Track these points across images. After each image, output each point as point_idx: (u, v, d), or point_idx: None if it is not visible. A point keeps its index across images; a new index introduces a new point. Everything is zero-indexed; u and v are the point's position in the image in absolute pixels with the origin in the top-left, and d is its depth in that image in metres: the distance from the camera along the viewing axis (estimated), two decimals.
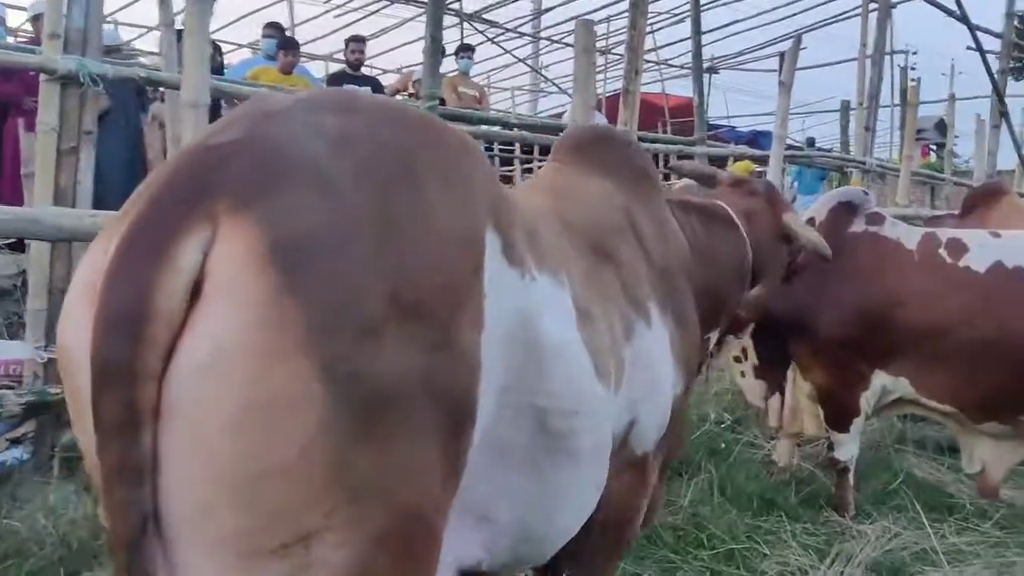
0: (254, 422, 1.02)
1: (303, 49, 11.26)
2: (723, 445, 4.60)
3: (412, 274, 1.14)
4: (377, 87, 7.63)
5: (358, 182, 1.14)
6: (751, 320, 3.18)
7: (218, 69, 6.55)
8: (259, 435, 1.03)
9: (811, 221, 4.02)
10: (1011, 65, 10.94)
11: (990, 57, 9.14)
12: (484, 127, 6.68)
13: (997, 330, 3.54)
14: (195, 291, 1.03)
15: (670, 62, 14.96)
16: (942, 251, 3.75)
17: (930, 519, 3.80)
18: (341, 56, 10.24)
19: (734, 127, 15.84)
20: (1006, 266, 3.63)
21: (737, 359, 4.30)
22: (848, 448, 3.99)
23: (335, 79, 7.49)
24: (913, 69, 11.67)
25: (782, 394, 4.23)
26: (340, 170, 1.14)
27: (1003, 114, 9.31)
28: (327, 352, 1.03)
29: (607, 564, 2.23)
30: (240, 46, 13.32)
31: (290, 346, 1.02)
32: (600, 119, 8.62)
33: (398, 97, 8.03)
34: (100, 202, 3.98)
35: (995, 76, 9.10)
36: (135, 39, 11.99)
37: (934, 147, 17.28)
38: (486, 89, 11.57)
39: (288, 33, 8.60)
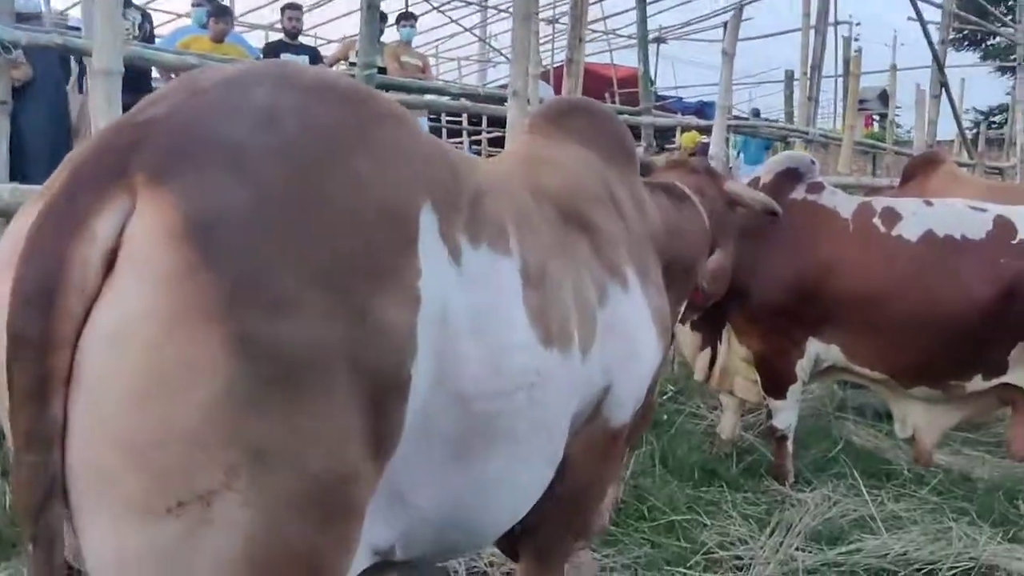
0: (155, 388, 1.05)
1: (244, 19, 10.94)
2: (665, 416, 4.61)
3: (326, 251, 1.15)
4: (316, 57, 7.44)
5: (277, 159, 1.16)
6: (718, 292, 3.22)
7: (148, 38, 6.32)
8: (159, 401, 1.06)
9: (755, 181, 4.03)
10: (951, 36, 11.08)
11: (931, 28, 9.22)
12: (426, 96, 6.56)
13: (926, 298, 3.57)
14: (110, 263, 1.06)
15: (618, 32, 14.87)
16: (876, 220, 3.76)
17: (869, 486, 3.84)
18: None
19: (681, 98, 15.81)
20: (937, 235, 3.65)
21: None
22: (786, 416, 4.01)
23: (272, 49, 7.30)
24: (856, 40, 11.74)
25: (714, 351, 4.24)
26: (260, 147, 1.16)
27: (943, 84, 9.42)
28: (232, 324, 1.06)
29: (569, 541, 2.21)
30: (179, 15, 12.91)
31: (195, 316, 1.05)
32: (546, 89, 8.54)
33: (339, 67, 7.84)
34: (25, 174, 3.82)
35: (935, 47, 9.18)
36: (70, 8, 11.54)
37: (877, 117, 17.48)
38: (432, 59, 11.42)
39: (225, 1, 8.32)
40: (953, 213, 3.73)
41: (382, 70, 7.46)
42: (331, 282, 1.15)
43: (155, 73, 5.88)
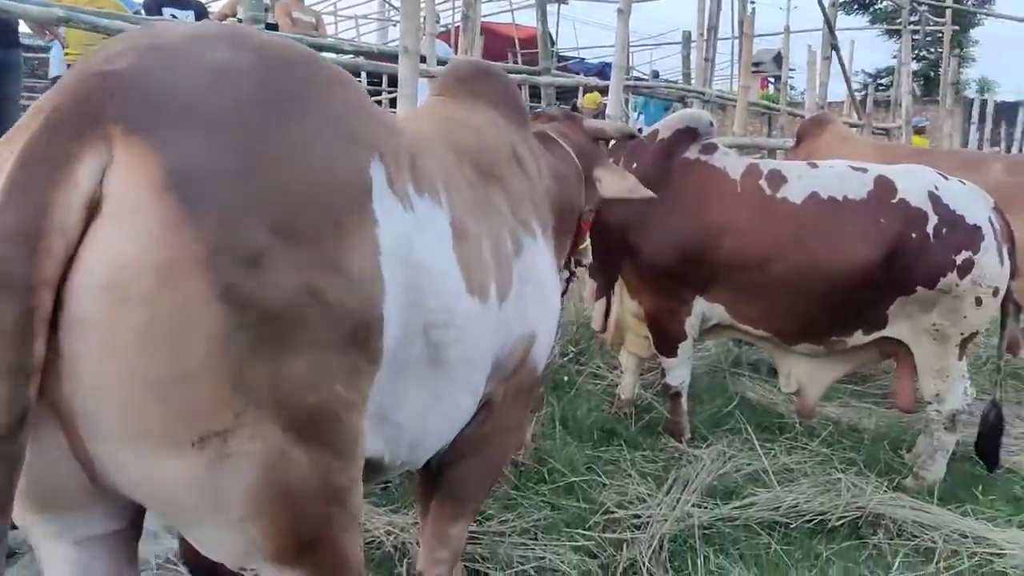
0: (159, 337, 1.15)
1: None
2: (566, 378, 4.63)
3: (293, 204, 1.25)
4: (202, 12, 7.09)
5: (241, 116, 1.25)
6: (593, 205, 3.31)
7: None
8: (165, 348, 1.16)
9: (653, 135, 4.05)
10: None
11: None
12: (320, 55, 6.33)
13: (808, 259, 3.64)
14: (91, 209, 1.13)
15: None
16: (762, 182, 3.81)
17: (762, 440, 3.96)
18: None
19: (583, 59, 15.82)
20: (821, 196, 3.72)
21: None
22: (678, 373, 4.08)
23: (155, 3, 6.91)
24: (751, 3, 11.89)
25: (608, 301, 4.28)
26: (226, 104, 1.25)
27: (834, 47, 9.67)
28: (221, 275, 1.15)
29: (487, 482, 2.41)
30: None
31: (188, 269, 1.14)
32: (443, 48, 8.39)
33: (226, 22, 7.50)
34: None
35: (826, 10, 9.40)
36: None
37: (772, 79, 17.91)
38: (330, 17, 11.06)
39: None
40: (836, 174, 3.80)
41: (273, 27, 7.21)
42: (300, 234, 1.24)
43: (24, 27, 5.48)
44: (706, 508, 3.31)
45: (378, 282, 1.39)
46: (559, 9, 14.00)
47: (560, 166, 2.77)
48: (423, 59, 5.58)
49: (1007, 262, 3.69)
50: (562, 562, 2.86)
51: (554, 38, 13.64)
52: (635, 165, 3.93)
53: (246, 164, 1.22)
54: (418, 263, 1.54)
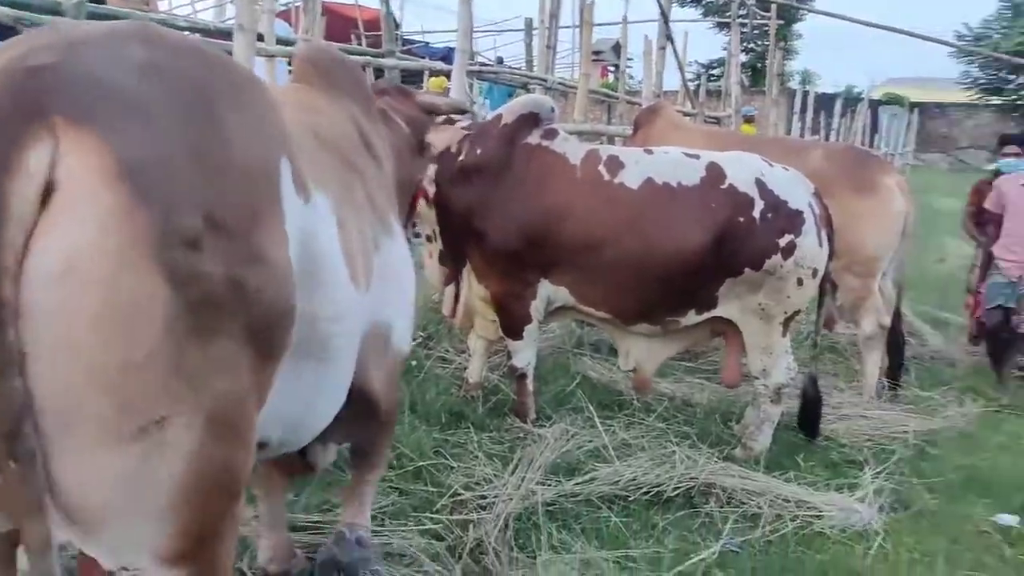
0: (113, 321, 1.19)
1: None
2: (415, 362, 4.62)
3: (222, 195, 1.32)
4: None
5: (177, 109, 1.30)
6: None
7: None
8: (118, 332, 1.20)
9: (497, 119, 4.09)
10: None
11: None
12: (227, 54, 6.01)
13: (645, 243, 3.79)
14: (44, 198, 1.15)
15: None
16: (601, 168, 3.92)
17: (602, 417, 4.09)
18: None
19: (428, 43, 15.76)
20: (656, 182, 3.87)
21: (429, 238, 4.35)
22: (524, 355, 4.16)
23: None
24: None
25: (458, 286, 4.31)
26: (161, 98, 1.29)
27: (669, 37, 10.05)
28: (169, 260, 1.21)
29: (387, 442, 2.68)
30: None
31: (139, 255, 1.19)
32: (284, 28, 8.16)
33: None
34: None
35: (661, 1, 9.75)
36: None
37: (612, 68, 18.42)
38: None
39: None
40: (670, 161, 3.96)
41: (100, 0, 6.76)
42: (226, 223, 1.30)
43: None
44: (550, 486, 3.40)
45: (290, 274, 1.46)
46: None
47: (397, 142, 2.78)
48: (261, 38, 5.40)
49: (825, 244, 3.96)
50: (410, 545, 2.86)
51: (399, 21, 13.50)
52: (479, 150, 3.95)
53: (185, 154, 1.27)
54: (317, 256, 1.63)
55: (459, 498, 3.25)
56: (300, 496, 3.10)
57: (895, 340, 5.18)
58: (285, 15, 10.03)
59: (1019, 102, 33.37)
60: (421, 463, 3.46)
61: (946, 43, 19.51)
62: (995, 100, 34.66)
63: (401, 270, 2.33)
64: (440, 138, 3.09)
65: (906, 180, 5.59)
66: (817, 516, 3.39)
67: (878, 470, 3.80)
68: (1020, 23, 33.07)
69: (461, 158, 3.98)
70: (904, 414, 4.74)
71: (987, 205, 5.91)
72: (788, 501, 3.46)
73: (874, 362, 5.09)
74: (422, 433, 3.72)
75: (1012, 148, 5.32)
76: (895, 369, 5.22)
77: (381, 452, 2.64)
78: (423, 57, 11.56)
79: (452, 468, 3.50)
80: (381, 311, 2.17)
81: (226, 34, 5.71)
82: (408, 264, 2.41)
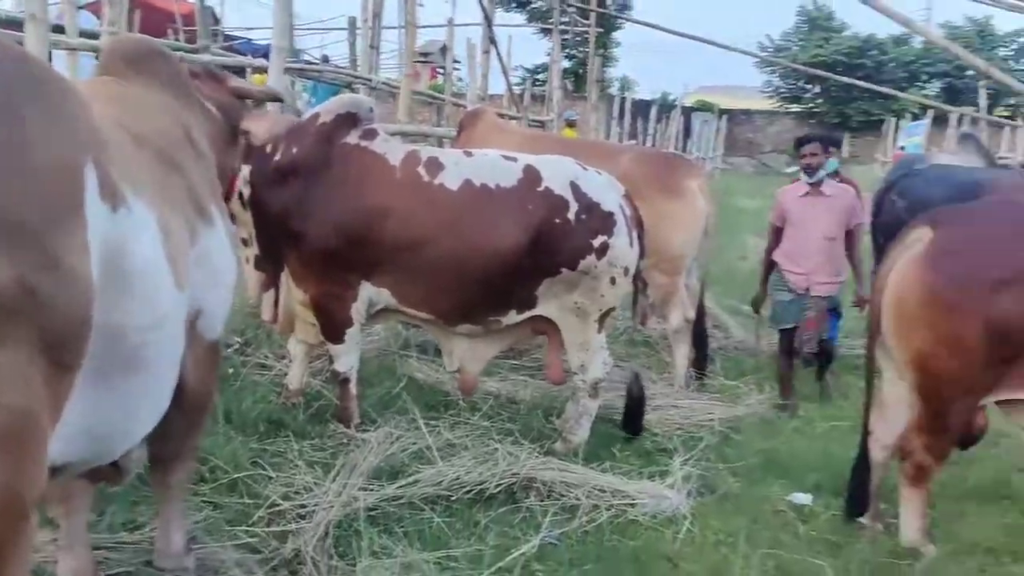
0: None
1: None
2: (231, 369, 4.46)
3: (12, 201, 1.26)
4: None
5: None
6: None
7: None
8: None
9: (314, 118, 4.02)
10: None
11: None
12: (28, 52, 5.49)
13: (465, 244, 3.83)
14: None
15: None
16: (421, 169, 3.92)
17: (428, 418, 4.09)
18: None
19: (251, 40, 15.25)
20: (475, 184, 3.92)
21: (244, 242, 4.21)
22: (347, 359, 4.10)
23: None
24: None
25: (278, 291, 4.21)
26: None
27: (492, 41, 10.20)
28: None
29: (195, 438, 2.58)
30: None
31: None
32: (90, 20, 7.71)
33: None
34: None
35: (484, 5, 9.88)
36: None
37: (441, 70, 18.45)
38: None
39: None
40: (488, 163, 4.03)
41: None
42: (18, 228, 1.26)
43: None
44: (372, 490, 3.37)
45: (89, 285, 1.41)
46: None
47: (212, 130, 2.71)
48: (62, 30, 5.06)
49: (636, 244, 4.14)
50: (222, 561, 2.76)
51: (218, 16, 12.97)
52: (295, 149, 3.87)
53: None
54: (129, 265, 1.59)
55: (277, 509, 3.16)
56: (104, 515, 2.92)
57: (700, 332, 5.49)
58: (95, 7, 9.44)
59: (816, 110, 36.18)
60: (236, 475, 3.33)
61: (750, 54, 20.94)
62: (794, 108, 37.43)
63: (217, 257, 2.28)
64: (260, 126, 3.01)
65: (712, 183, 5.91)
66: (631, 504, 3.53)
67: (686, 457, 3.99)
68: (815, 37, 35.82)
69: (277, 158, 3.88)
70: (710, 403, 5.02)
71: (770, 219, 5.48)
72: (604, 491, 3.59)
73: (683, 354, 5.37)
74: (238, 444, 3.59)
75: (810, 148, 5.29)
76: (702, 360, 5.54)
77: (189, 445, 2.54)
78: (244, 54, 11.15)
79: (270, 478, 3.39)
80: (192, 298, 2.12)
81: (19, 24, 5.31)
82: (225, 251, 2.36)
